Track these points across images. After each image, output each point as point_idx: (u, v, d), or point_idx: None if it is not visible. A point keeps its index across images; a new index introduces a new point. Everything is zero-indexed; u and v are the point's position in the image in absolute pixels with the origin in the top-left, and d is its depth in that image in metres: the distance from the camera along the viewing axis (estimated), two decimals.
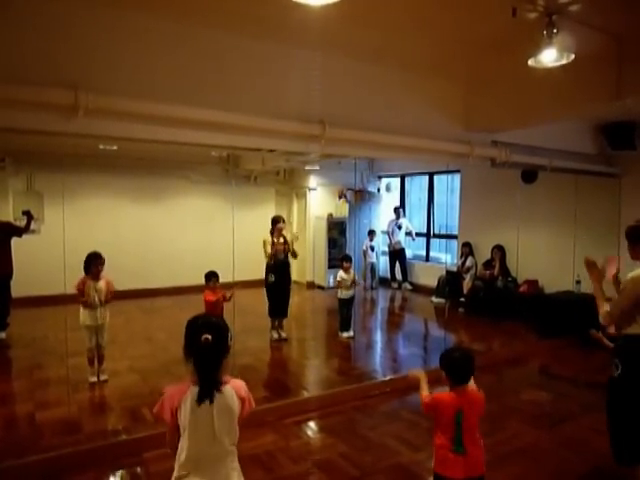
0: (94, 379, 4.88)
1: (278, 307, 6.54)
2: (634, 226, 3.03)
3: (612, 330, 3.10)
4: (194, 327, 1.96)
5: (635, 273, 2.88)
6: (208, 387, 1.90)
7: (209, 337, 1.89)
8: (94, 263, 4.83)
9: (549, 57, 3.31)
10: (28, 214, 6.60)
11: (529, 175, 7.36)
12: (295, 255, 6.58)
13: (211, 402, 1.89)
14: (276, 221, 6.41)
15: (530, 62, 3.41)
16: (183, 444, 1.92)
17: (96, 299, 4.81)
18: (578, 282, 6.81)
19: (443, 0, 3.18)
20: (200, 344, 1.88)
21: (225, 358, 1.98)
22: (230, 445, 1.98)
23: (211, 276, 5.53)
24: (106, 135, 3.55)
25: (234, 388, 1.98)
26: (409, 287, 9.97)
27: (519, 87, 4.59)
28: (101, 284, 4.86)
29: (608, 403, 3.08)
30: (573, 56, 3.33)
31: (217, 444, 1.94)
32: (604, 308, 2.97)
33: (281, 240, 6.40)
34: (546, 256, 7.57)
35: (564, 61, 3.35)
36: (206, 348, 1.88)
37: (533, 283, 7.68)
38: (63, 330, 4.53)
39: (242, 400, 1.99)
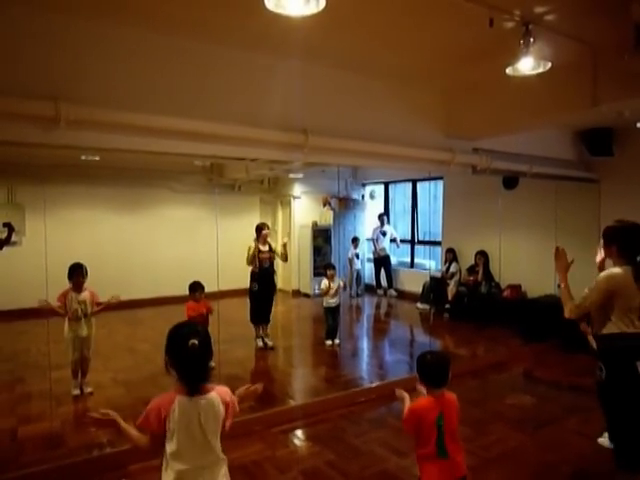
0: (77, 392, 4.82)
1: (260, 313, 6.52)
2: (609, 227, 3.09)
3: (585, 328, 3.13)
4: (179, 335, 1.97)
5: (609, 271, 2.95)
6: (196, 384, 1.94)
7: (196, 342, 1.90)
8: (76, 274, 4.78)
9: (526, 66, 3.38)
10: (9, 226, 6.51)
11: (510, 181, 7.46)
12: (285, 259, 6.57)
13: (198, 393, 1.93)
14: (261, 228, 6.40)
15: (508, 71, 3.48)
16: (171, 451, 1.92)
17: (79, 311, 4.74)
18: (560, 286, 6.88)
19: (422, 10, 3.23)
20: (187, 349, 1.89)
21: (210, 363, 2.02)
22: (220, 452, 2.01)
23: (196, 287, 5.38)
24: (88, 146, 3.53)
25: (219, 394, 2.01)
26: (394, 294, 10.01)
27: (498, 95, 4.68)
28: (84, 296, 4.80)
29: (604, 408, 3.08)
30: (550, 64, 3.41)
31: (209, 451, 1.97)
32: (572, 301, 2.99)
33: (266, 247, 6.39)
34: (528, 261, 7.65)
35: (541, 69, 3.43)
36: (194, 353, 1.90)
37: (516, 288, 7.76)
38: (45, 343, 4.47)
39: (226, 405, 2.01)
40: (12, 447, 3.88)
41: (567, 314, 3.03)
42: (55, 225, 7.49)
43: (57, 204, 7.98)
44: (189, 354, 1.90)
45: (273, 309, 6.74)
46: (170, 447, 1.92)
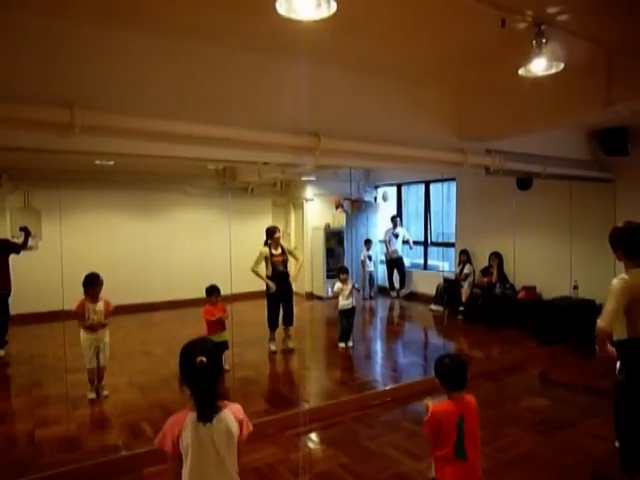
0: (93, 395, 4.86)
1: (279, 317, 6.52)
2: (614, 229, 3.02)
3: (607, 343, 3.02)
4: (188, 353, 1.99)
5: (620, 276, 2.88)
6: (207, 408, 1.93)
7: (204, 359, 1.92)
8: (91, 285, 4.80)
9: (539, 66, 3.35)
10: (25, 230, 6.62)
11: (524, 182, 7.40)
12: (297, 259, 6.58)
13: (210, 421, 1.92)
14: (272, 232, 6.35)
15: (520, 71, 3.45)
16: (186, 472, 1.92)
17: (95, 320, 4.78)
18: (575, 287, 6.83)
19: (434, 11, 3.22)
20: (195, 367, 1.91)
21: (220, 379, 2.03)
22: (233, 470, 2.00)
23: (213, 291, 5.40)
24: (102, 152, 3.58)
25: (232, 411, 2.01)
26: (404, 292, 10.01)
27: (511, 96, 4.65)
28: (100, 305, 4.83)
29: (615, 408, 3.04)
30: (563, 65, 3.37)
31: (222, 468, 1.96)
32: (598, 324, 2.83)
33: (279, 251, 6.38)
34: (543, 262, 7.58)
35: (554, 70, 3.39)
36: (201, 370, 1.92)
37: (531, 289, 7.69)
38: (62, 346, 4.53)
39: (240, 423, 2.02)
40: (30, 450, 3.92)
41: (597, 334, 2.88)
42: (70, 229, 7.59)
43: (72, 208, 8.06)
44: (197, 372, 1.92)
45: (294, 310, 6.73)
46: (185, 466, 1.92)
